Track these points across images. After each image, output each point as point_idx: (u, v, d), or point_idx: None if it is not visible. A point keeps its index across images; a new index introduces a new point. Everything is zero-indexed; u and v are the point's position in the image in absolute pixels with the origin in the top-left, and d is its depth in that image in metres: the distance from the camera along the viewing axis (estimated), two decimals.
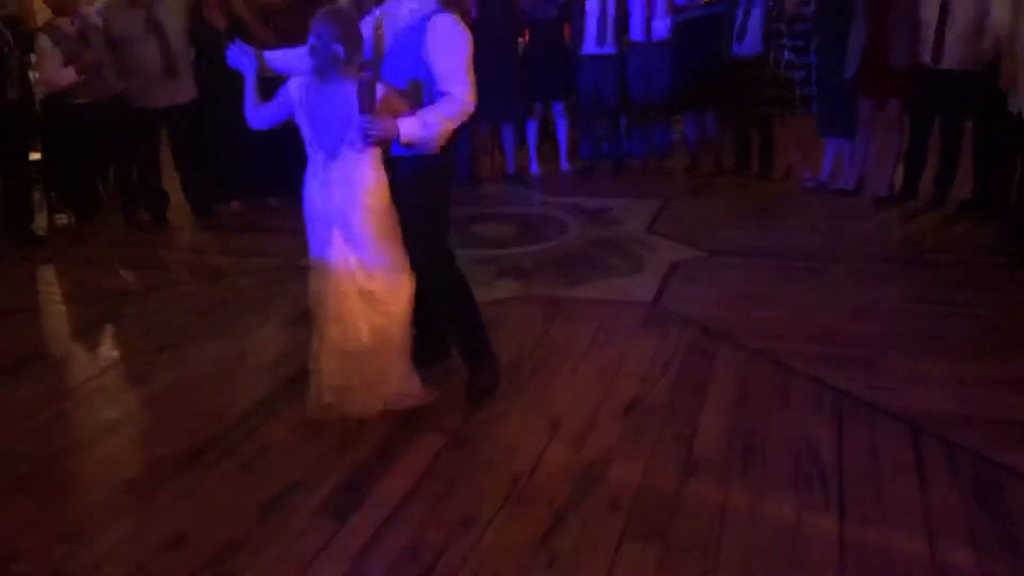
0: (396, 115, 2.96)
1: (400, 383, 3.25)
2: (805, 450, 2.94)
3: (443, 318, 3.46)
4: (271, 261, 5.31)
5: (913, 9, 5.50)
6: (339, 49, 2.94)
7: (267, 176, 6.43)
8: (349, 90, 2.95)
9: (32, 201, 6.08)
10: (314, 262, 3.24)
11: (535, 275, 4.89)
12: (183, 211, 6.45)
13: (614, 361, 3.72)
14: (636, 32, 6.67)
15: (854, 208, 5.89)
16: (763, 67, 6.24)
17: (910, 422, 3.08)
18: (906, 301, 4.25)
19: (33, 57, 5.80)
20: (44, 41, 5.56)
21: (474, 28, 7.06)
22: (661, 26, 6.61)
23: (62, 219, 6.35)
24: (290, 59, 3.32)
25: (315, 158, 3.10)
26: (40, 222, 6.26)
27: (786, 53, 6.12)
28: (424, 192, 3.22)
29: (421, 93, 3.08)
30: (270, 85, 3.23)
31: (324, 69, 2.98)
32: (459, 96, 3.02)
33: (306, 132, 3.09)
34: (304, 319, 4.54)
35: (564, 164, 7.22)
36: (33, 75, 5.94)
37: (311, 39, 2.98)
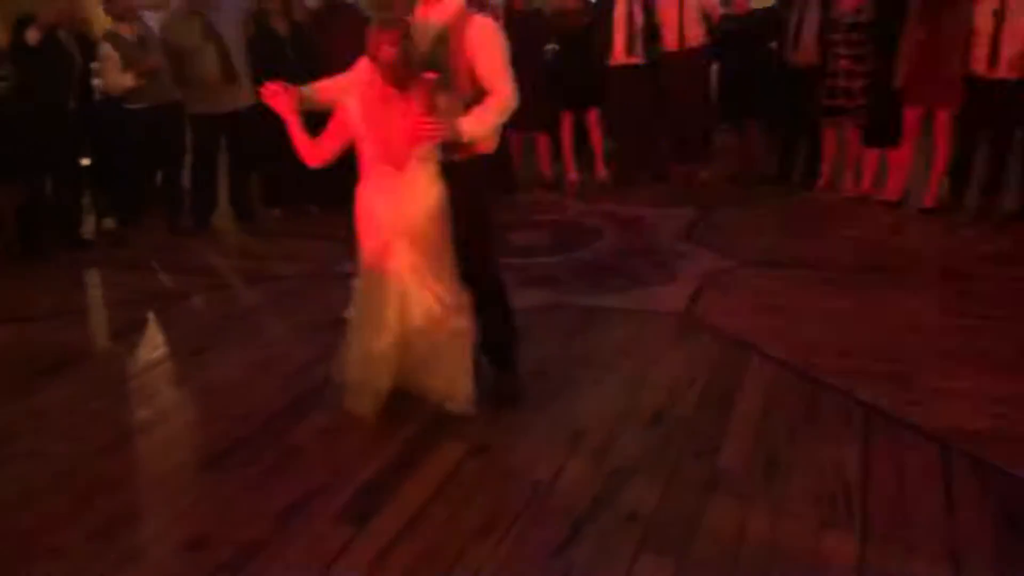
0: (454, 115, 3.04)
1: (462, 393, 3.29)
2: (830, 467, 2.89)
3: (482, 322, 3.45)
4: (308, 267, 5.39)
5: (967, 17, 5.38)
6: (405, 58, 2.98)
7: (308, 184, 6.50)
8: (413, 99, 3.00)
9: (81, 205, 6.22)
10: (369, 273, 3.23)
11: (566, 283, 4.88)
12: (226, 216, 6.56)
13: (641, 372, 3.70)
14: (669, 41, 6.61)
15: (897, 219, 5.78)
16: (818, 75, 6.14)
17: (939, 439, 3.01)
18: (944, 315, 4.16)
19: (96, 65, 5.95)
20: (106, 48, 5.73)
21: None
22: (694, 34, 6.55)
23: (109, 223, 6.49)
24: (334, 89, 3.32)
25: (378, 171, 3.11)
26: (88, 226, 6.42)
27: (843, 62, 6.02)
28: (479, 195, 3.31)
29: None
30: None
31: (399, 79, 3.00)
32: (505, 92, 3.12)
33: (368, 147, 3.10)
34: (336, 325, 4.61)
35: (600, 172, 7.19)
36: (96, 82, 6.08)
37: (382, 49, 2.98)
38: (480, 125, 3.10)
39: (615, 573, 2.44)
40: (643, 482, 2.88)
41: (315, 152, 3.19)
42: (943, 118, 5.69)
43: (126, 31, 5.80)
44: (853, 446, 3.01)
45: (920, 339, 3.89)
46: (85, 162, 6.30)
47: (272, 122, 6.14)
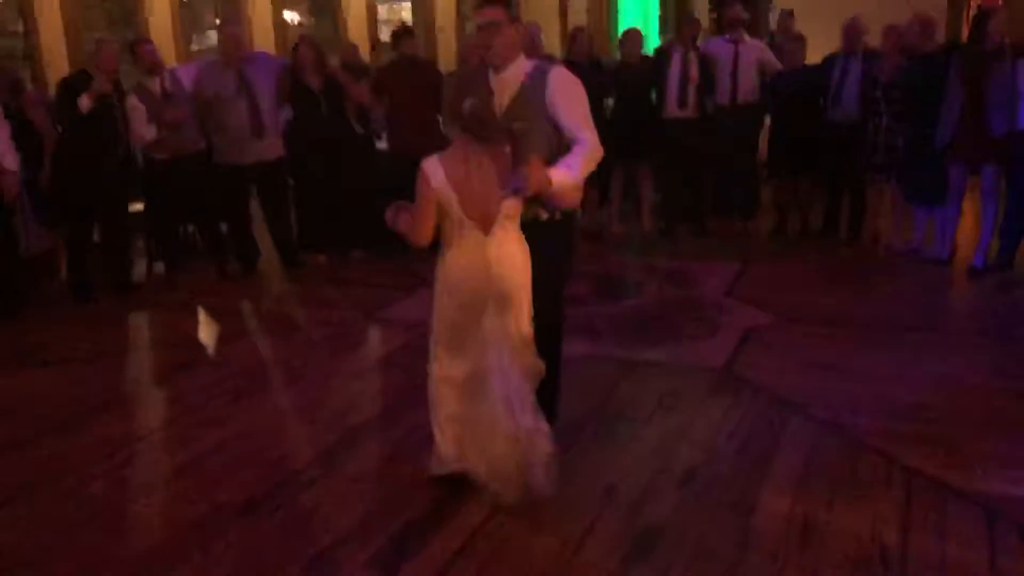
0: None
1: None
2: (868, 531, 2.81)
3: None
4: (350, 314, 5.45)
5: (1011, 76, 5.33)
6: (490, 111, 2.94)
7: (352, 230, 6.62)
8: (499, 154, 2.95)
9: (129, 249, 6.38)
10: (455, 341, 3.06)
11: (607, 334, 4.86)
12: (272, 261, 6.68)
13: (678, 427, 3.66)
14: (722, 96, 6.67)
15: (945, 278, 5.68)
16: (859, 132, 6.13)
17: (984, 505, 2.91)
18: (991, 377, 4.05)
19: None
20: (132, 100, 5.93)
21: None
22: (748, 89, 6.59)
23: (160, 267, 6.65)
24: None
25: (465, 235, 2.97)
26: (139, 269, 6.58)
27: (884, 118, 6.00)
28: (565, 249, 3.34)
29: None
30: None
31: (485, 133, 2.93)
32: (590, 140, 3.12)
33: (454, 210, 2.94)
34: (374, 370, 4.65)
35: (646, 223, 7.20)
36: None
37: (454, 109, 2.94)
38: (568, 173, 3.01)
39: None
40: (675, 540, 2.82)
41: (422, 232, 3.01)
42: (989, 176, 5.61)
43: (153, 84, 5.99)
44: (894, 510, 2.92)
45: (966, 402, 3.79)
46: (137, 207, 6.50)
47: (302, 174, 6.37)
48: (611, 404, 3.93)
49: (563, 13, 11.41)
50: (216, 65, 6.25)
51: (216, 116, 6.10)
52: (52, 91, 6.39)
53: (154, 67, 6.03)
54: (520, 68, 3.22)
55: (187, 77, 6.33)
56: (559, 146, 3.14)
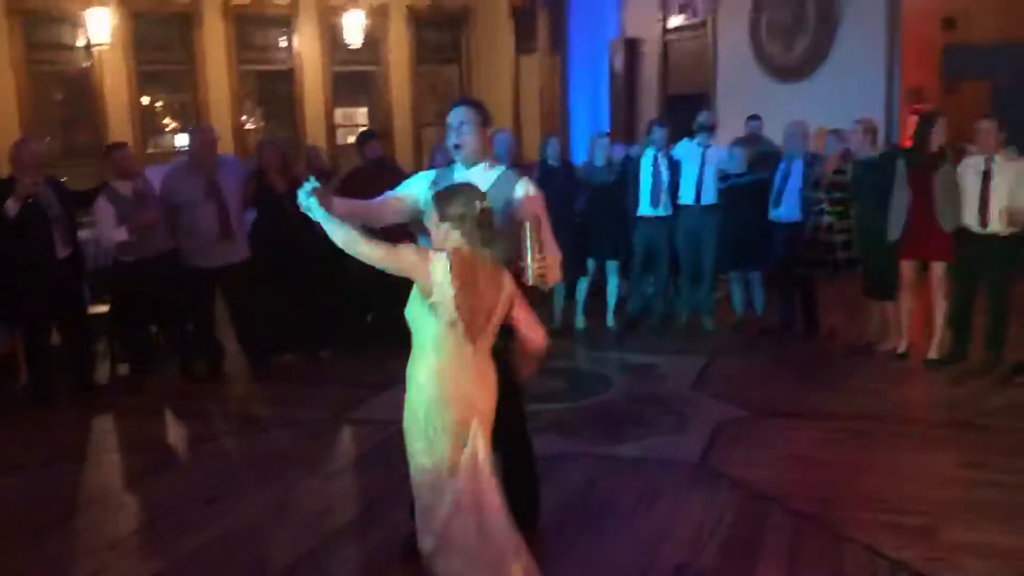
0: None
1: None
2: None
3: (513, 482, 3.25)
4: (320, 414, 5.39)
5: (954, 177, 5.64)
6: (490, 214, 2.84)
7: (320, 330, 6.62)
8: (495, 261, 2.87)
9: (92, 352, 6.27)
10: (450, 461, 2.82)
11: (580, 431, 4.90)
12: (239, 362, 6.61)
13: (661, 523, 3.68)
14: (686, 196, 6.93)
15: (902, 370, 5.85)
16: (799, 231, 6.40)
17: None
18: (959, 467, 4.17)
19: (88, 218, 6.12)
20: (101, 202, 5.92)
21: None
22: (710, 191, 6.86)
23: (124, 369, 6.53)
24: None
25: (457, 345, 2.80)
26: (103, 371, 6.46)
27: (825, 217, 6.28)
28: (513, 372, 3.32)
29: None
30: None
31: (489, 239, 2.85)
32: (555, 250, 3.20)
33: (448, 313, 2.77)
34: (349, 471, 4.60)
35: (611, 320, 7.32)
36: (88, 234, 6.23)
37: (455, 210, 2.82)
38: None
39: None
40: None
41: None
42: (938, 272, 5.86)
43: (124, 187, 6.01)
44: None
45: (938, 491, 3.89)
46: (101, 309, 6.42)
47: (268, 275, 6.38)
48: (592, 501, 3.95)
49: (516, 117, 11.77)
50: (183, 169, 6.29)
51: (185, 220, 6.12)
52: None
53: (127, 172, 6.06)
54: (488, 169, 3.33)
55: (154, 180, 6.36)
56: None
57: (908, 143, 6.29)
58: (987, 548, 3.33)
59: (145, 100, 10.82)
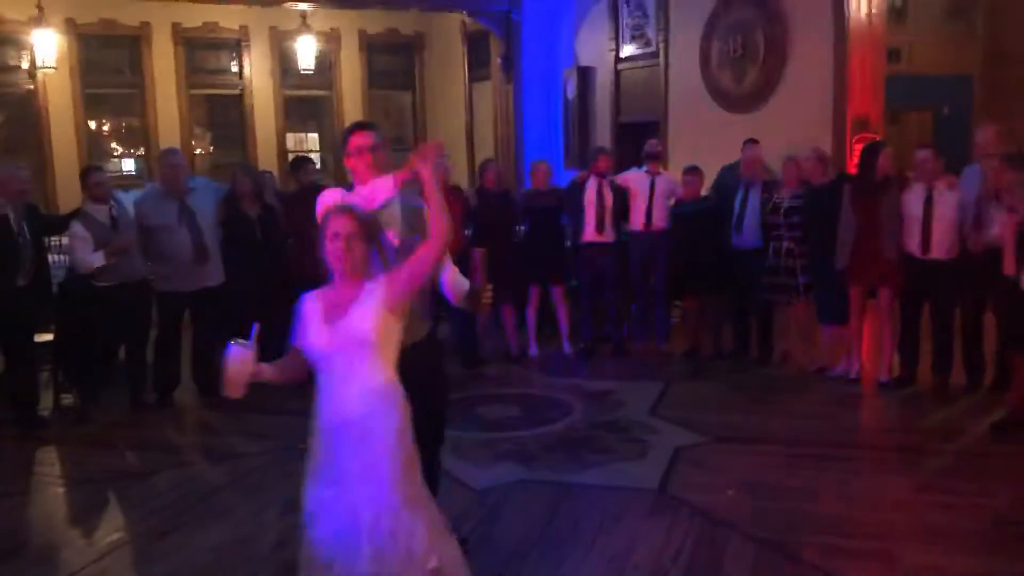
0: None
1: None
2: None
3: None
4: (273, 444, 5.29)
5: (896, 204, 5.78)
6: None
7: (273, 357, 6.50)
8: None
9: (37, 383, 6.09)
10: None
11: (539, 458, 4.88)
12: (188, 391, 6.47)
13: (623, 550, 3.67)
14: (636, 222, 6.99)
15: (855, 394, 5.94)
16: (761, 257, 6.48)
17: None
18: (913, 490, 4.24)
19: (64, 240, 5.99)
20: (76, 227, 5.79)
21: (474, 215, 7.37)
22: (660, 217, 6.94)
23: (68, 399, 6.36)
24: None
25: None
26: (46, 402, 6.26)
27: (785, 243, 6.37)
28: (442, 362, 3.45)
29: None
30: None
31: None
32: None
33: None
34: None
35: (566, 346, 7.33)
36: (59, 258, 6.09)
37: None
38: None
39: None
40: None
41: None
42: (885, 297, 5.99)
43: (99, 212, 5.90)
44: None
45: (893, 515, 3.95)
46: (46, 338, 6.24)
47: (238, 300, 6.29)
48: (553, 529, 3.92)
49: (470, 143, 11.80)
50: (156, 193, 6.20)
51: (158, 244, 6.02)
52: None
53: (102, 197, 5.95)
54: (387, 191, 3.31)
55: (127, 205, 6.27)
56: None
57: (854, 171, 6.44)
58: (942, 571, 3.37)
59: (92, 124, 10.64)
